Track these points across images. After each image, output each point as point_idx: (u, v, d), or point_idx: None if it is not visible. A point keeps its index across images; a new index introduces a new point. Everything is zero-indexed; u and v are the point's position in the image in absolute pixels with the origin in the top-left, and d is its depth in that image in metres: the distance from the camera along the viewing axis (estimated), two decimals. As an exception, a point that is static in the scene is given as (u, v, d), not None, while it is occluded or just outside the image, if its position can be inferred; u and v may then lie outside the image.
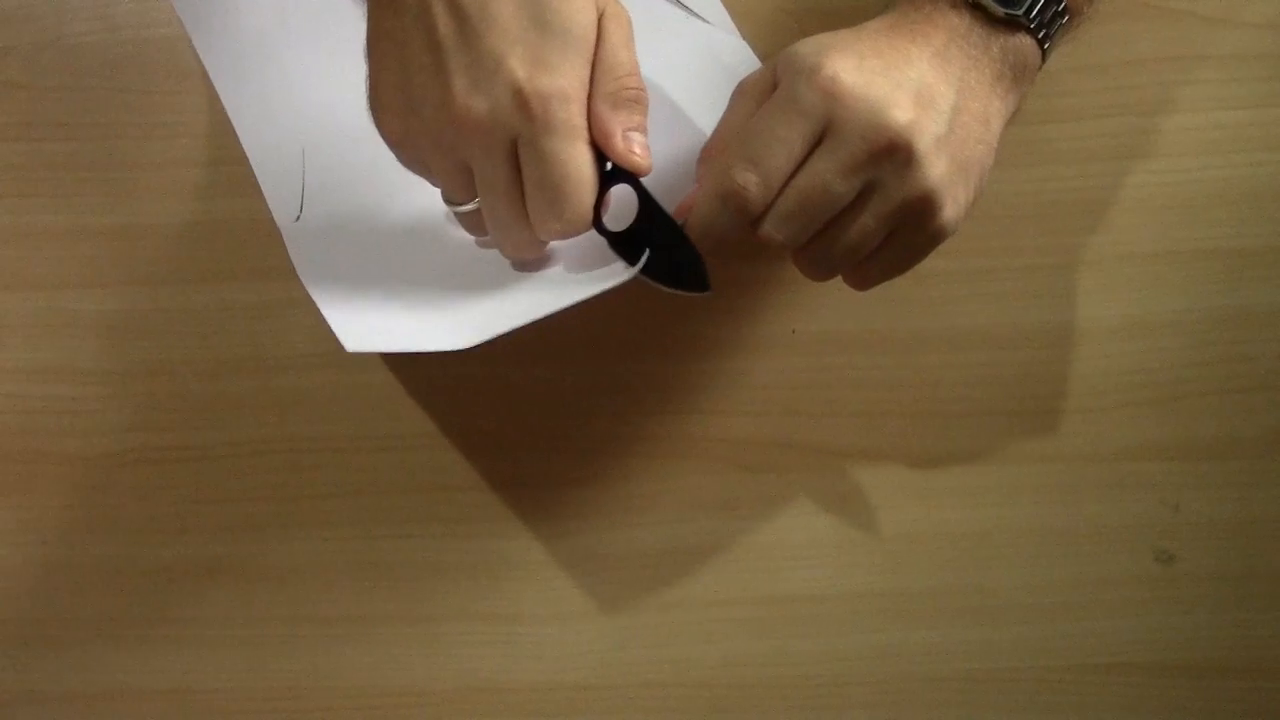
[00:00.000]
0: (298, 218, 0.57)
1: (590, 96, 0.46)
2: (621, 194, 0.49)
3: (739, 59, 0.59)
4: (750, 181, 0.46)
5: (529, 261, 0.52)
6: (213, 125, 0.60)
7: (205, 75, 0.60)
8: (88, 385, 0.60)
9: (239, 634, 0.59)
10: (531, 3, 0.46)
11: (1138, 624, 0.59)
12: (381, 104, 0.48)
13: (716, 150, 0.49)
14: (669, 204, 0.50)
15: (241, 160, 0.60)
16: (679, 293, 0.49)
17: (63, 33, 0.60)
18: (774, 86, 0.48)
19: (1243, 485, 0.60)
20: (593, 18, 0.46)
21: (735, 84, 0.52)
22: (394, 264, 0.56)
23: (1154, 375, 0.60)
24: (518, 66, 0.45)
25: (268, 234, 0.60)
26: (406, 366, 0.60)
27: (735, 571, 0.59)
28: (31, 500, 0.59)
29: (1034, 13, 0.48)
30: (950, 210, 0.48)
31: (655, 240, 0.49)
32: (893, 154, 0.46)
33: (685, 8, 0.60)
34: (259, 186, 0.59)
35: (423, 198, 0.54)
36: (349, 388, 0.59)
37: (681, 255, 0.49)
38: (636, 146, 0.47)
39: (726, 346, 0.60)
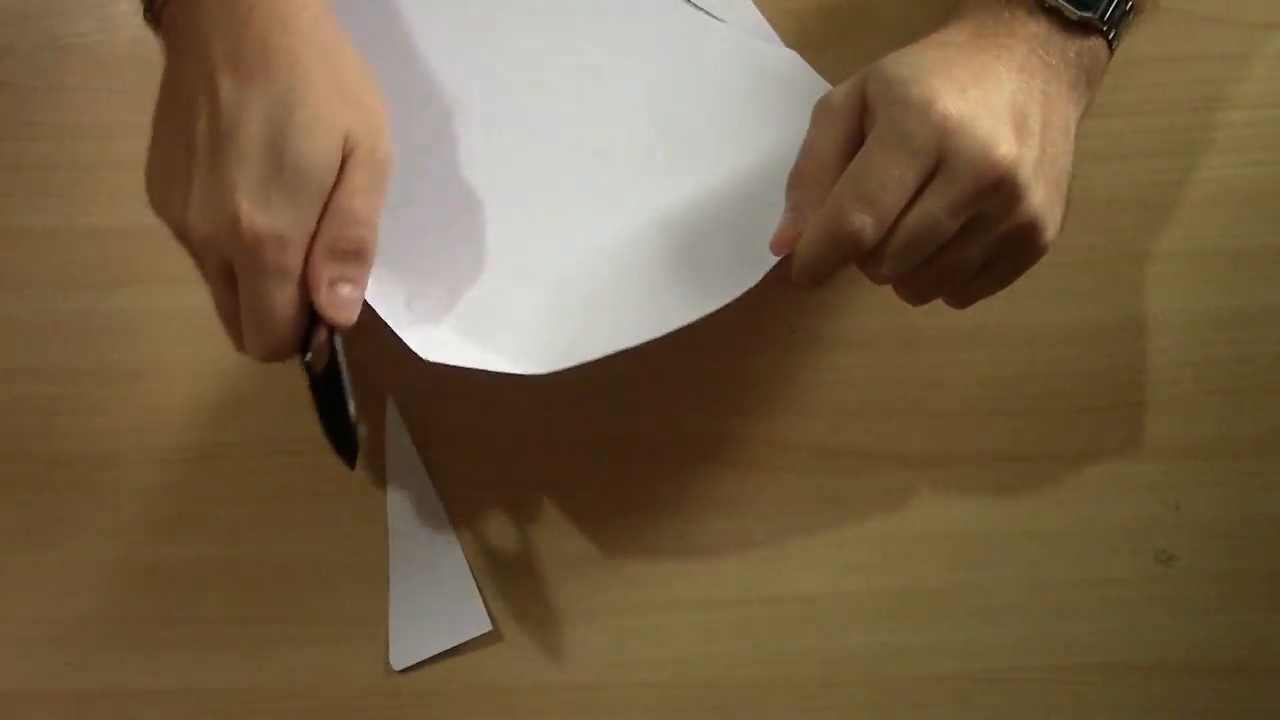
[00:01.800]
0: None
1: (312, 240, 0.46)
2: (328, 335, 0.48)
3: (790, 68, 0.59)
4: (866, 224, 0.46)
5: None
6: (212, 125, 0.60)
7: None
8: (88, 385, 0.60)
9: (239, 634, 0.59)
10: (276, 134, 0.45)
11: (1138, 624, 0.59)
12: (149, 179, 0.49)
13: (810, 178, 0.49)
14: (743, 228, 0.51)
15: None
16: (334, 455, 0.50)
17: (62, 33, 0.60)
18: (863, 106, 0.48)
19: (1243, 485, 0.60)
20: (332, 160, 0.46)
21: (789, 94, 0.52)
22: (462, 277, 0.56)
23: (1154, 375, 0.60)
24: (243, 198, 0.45)
25: (268, 234, 0.60)
26: (405, 367, 0.60)
27: (735, 571, 0.59)
28: (32, 500, 0.59)
29: (1107, 14, 0.48)
30: (1051, 230, 0.48)
31: (333, 394, 0.49)
32: (999, 188, 0.46)
33: (720, 19, 0.60)
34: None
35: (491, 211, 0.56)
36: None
37: (344, 423, 0.49)
38: (339, 301, 0.47)
39: (726, 346, 0.60)
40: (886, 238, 0.46)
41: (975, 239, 0.47)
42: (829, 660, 0.59)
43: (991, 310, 0.60)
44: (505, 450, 0.60)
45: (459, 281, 0.56)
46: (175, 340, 0.60)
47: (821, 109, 0.49)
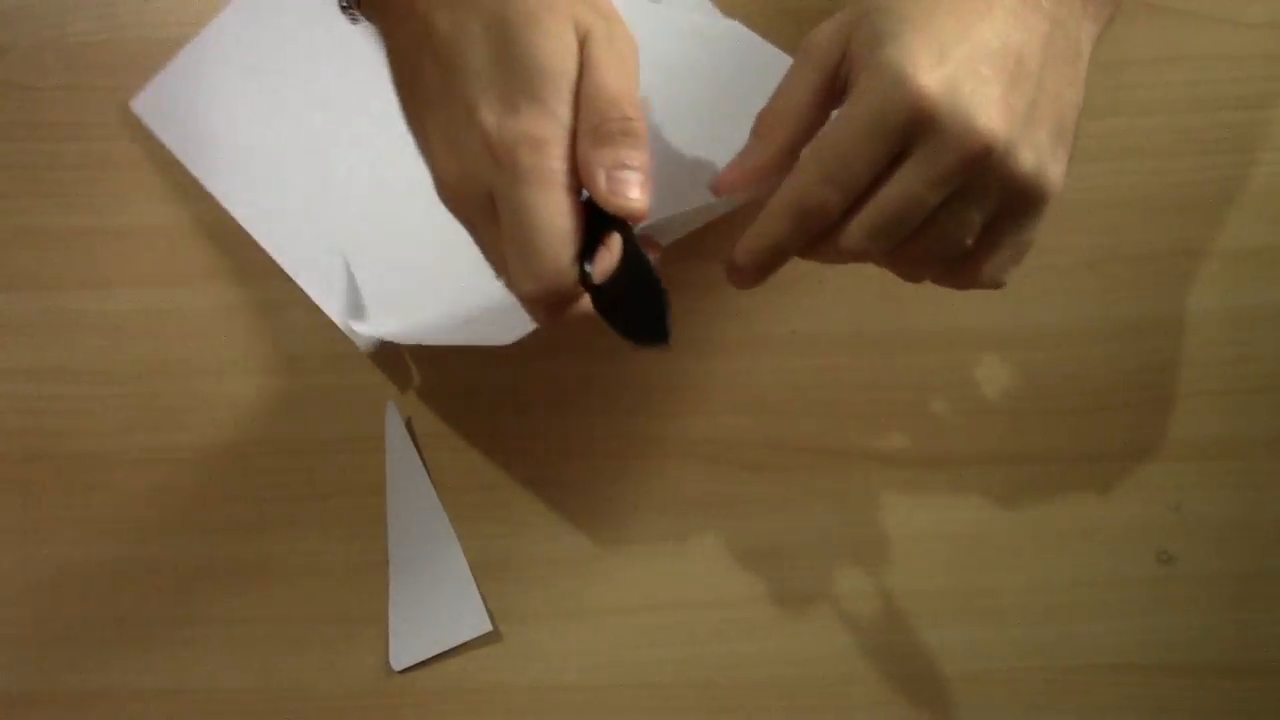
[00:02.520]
0: (362, 318, 0.59)
1: (577, 133, 0.42)
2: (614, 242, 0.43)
3: (733, 39, 0.59)
4: (832, 201, 0.43)
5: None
6: (213, 125, 0.60)
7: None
8: (88, 385, 0.60)
9: (239, 634, 0.59)
10: (501, 39, 0.42)
11: (1138, 624, 0.59)
12: (424, 151, 0.46)
13: (775, 119, 0.46)
14: (688, 195, 0.47)
15: (241, 160, 0.60)
16: (639, 347, 0.44)
17: (63, 33, 0.60)
18: (842, 56, 0.44)
19: (1243, 485, 0.60)
20: (568, 46, 0.42)
21: (736, 66, 0.50)
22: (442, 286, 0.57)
23: (1154, 375, 0.60)
24: (487, 114, 0.41)
25: (268, 234, 0.60)
26: (405, 367, 0.60)
27: (735, 571, 0.59)
28: (31, 500, 0.59)
29: None
30: (1051, 176, 0.44)
31: (632, 291, 0.44)
32: (987, 156, 0.42)
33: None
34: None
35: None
36: (349, 388, 0.59)
37: (658, 309, 0.43)
38: (626, 188, 0.42)
39: (726, 346, 0.60)
40: (865, 213, 0.44)
41: (963, 210, 0.44)
42: (829, 660, 0.59)
43: (992, 310, 0.60)
44: (505, 450, 0.60)
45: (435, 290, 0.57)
46: (175, 340, 0.60)
47: (801, 51, 0.46)
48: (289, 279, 0.60)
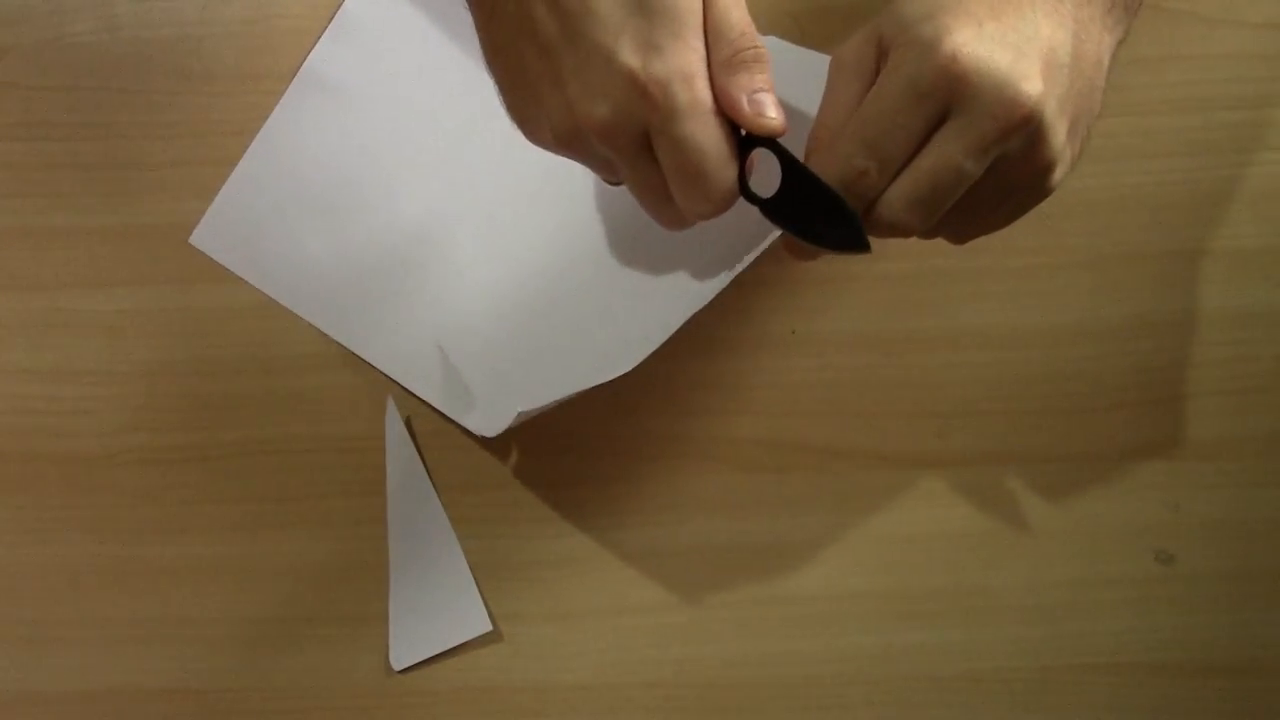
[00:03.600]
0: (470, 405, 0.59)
1: (712, 65, 0.44)
2: (763, 156, 0.46)
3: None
4: (870, 168, 0.44)
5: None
6: (212, 125, 0.60)
7: (205, 75, 0.60)
8: (88, 385, 0.60)
9: (239, 634, 0.59)
10: None
11: (1138, 624, 0.59)
12: (518, 119, 0.47)
13: (827, 133, 0.46)
14: (754, 233, 0.48)
15: (240, 160, 0.60)
16: (840, 253, 0.46)
17: (63, 33, 0.60)
18: (878, 54, 0.45)
19: (1243, 485, 0.60)
20: None
21: (780, 79, 0.51)
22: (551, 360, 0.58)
23: (1153, 375, 0.60)
24: (629, 56, 0.43)
25: (268, 234, 0.60)
26: (406, 366, 0.60)
27: (735, 571, 0.59)
28: (31, 500, 0.59)
29: None
30: (1061, 171, 0.45)
31: (806, 201, 0.46)
32: (1025, 127, 0.43)
33: None
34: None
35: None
36: (349, 388, 0.59)
37: (840, 214, 0.45)
38: (765, 109, 0.44)
39: (726, 346, 0.60)
40: (903, 183, 0.44)
41: (993, 179, 0.44)
42: (829, 660, 0.59)
43: (992, 310, 0.60)
44: (505, 450, 0.60)
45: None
46: (176, 340, 0.60)
47: (835, 64, 0.47)
48: (289, 279, 0.60)
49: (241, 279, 0.60)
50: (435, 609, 0.58)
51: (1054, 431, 0.60)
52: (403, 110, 0.60)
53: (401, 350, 0.59)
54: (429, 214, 0.60)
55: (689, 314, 0.53)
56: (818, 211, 0.46)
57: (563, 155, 0.47)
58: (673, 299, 0.54)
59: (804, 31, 0.60)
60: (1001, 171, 0.44)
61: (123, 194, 0.60)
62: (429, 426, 0.59)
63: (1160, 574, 0.59)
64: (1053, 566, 0.59)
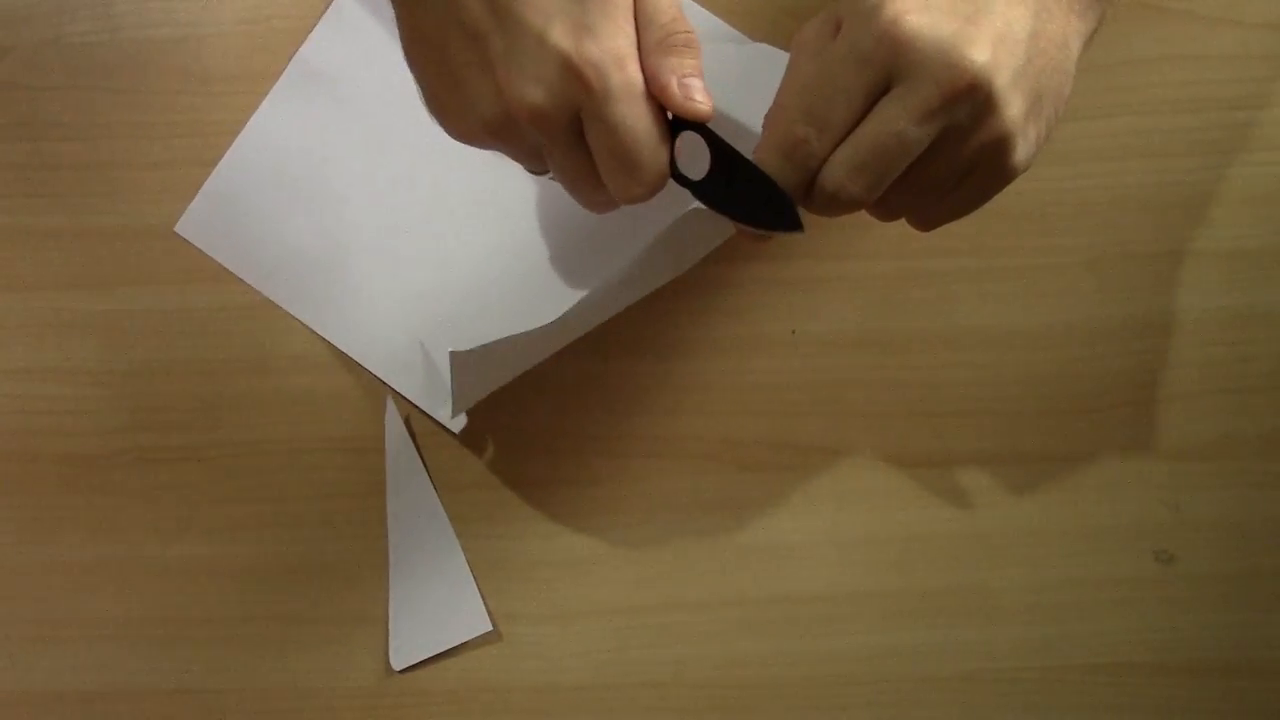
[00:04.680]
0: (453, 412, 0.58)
1: (641, 48, 0.44)
2: (690, 140, 0.46)
3: (766, 59, 0.59)
4: (809, 134, 0.43)
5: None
6: (213, 125, 0.60)
7: (204, 75, 0.60)
8: (88, 385, 0.60)
9: (239, 634, 0.59)
10: None
11: (1138, 624, 0.59)
12: (437, 108, 0.47)
13: (779, 114, 0.46)
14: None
15: (241, 160, 0.60)
16: (774, 233, 0.47)
17: (63, 33, 0.60)
18: (835, 33, 0.45)
19: (1243, 485, 0.60)
20: None
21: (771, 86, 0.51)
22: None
23: (1154, 375, 0.60)
24: (562, 38, 0.43)
25: (268, 234, 0.60)
26: (406, 366, 0.60)
27: (735, 571, 0.59)
28: (31, 500, 0.59)
29: None
30: (1023, 150, 0.44)
31: (737, 183, 0.46)
32: (971, 95, 0.42)
33: None
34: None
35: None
36: (348, 388, 0.59)
37: (769, 194, 0.45)
38: (694, 93, 0.44)
39: (726, 346, 0.60)
40: (845, 149, 0.43)
41: (944, 151, 0.44)
42: (829, 660, 0.59)
43: (991, 310, 0.60)
44: (505, 450, 0.60)
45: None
46: (176, 340, 0.60)
47: (795, 46, 0.46)
48: (289, 279, 0.60)
49: (241, 279, 0.60)
50: (435, 609, 0.58)
51: (1054, 431, 0.60)
52: (389, 104, 0.60)
53: (380, 343, 0.59)
54: (411, 207, 0.60)
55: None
56: (748, 193, 0.46)
57: (488, 147, 0.47)
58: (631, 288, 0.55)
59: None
60: (951, 144, 0.44)
61: (122, 194, 0.60)
62: (429, 426, 0.59)
63: (1160, 574, 0.59)
64: (1053, 566, 0.59)
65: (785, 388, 0.60)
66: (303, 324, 0.59)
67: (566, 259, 0.59)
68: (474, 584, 0.58)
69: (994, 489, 0.60)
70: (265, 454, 0.59)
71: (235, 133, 0.60)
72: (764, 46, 0.59)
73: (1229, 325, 0.60)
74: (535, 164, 0.48)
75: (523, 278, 0.59)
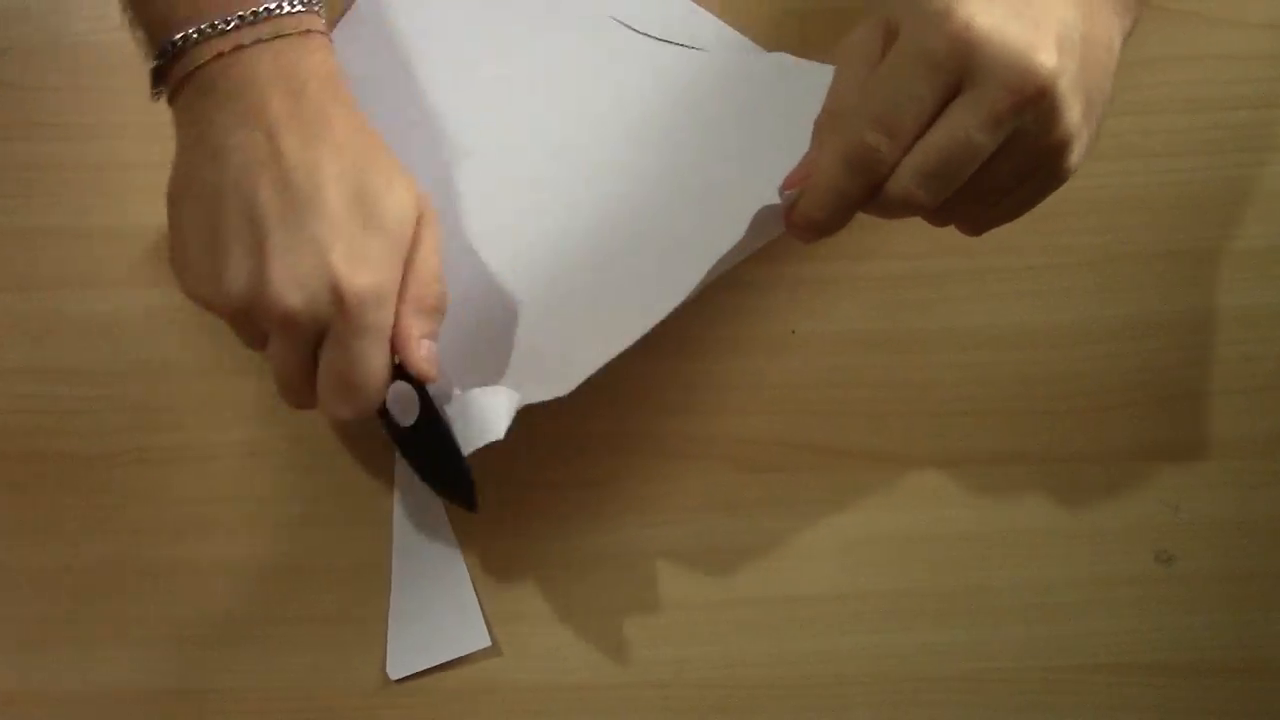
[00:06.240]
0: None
1: (399, 298, 0.47)
2: (402, 390, 0.50)
3: (772, 66, 0.59)
4: (881, 142, 0.42)
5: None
6: (213, 125, 0.60)
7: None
8: (88, 385, 0.60)
9: (239, 634, 0.59)
10: (361, 195, 0.45)
11: (1138, 624, 0.59)
12: (184, 262, 0.48)
13: (835, 112, 0.45)
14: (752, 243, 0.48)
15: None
16: (447, 500, 0.52)
17: (62, 33, 0.60)
18: (885, 38, 0.44)
19: (1243, 485, 0.60)
20: (412, 216, 0.47)
21: (789, 94, 0.51)
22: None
23: (1154, 375, 0.60)
24: (339, 262, 0.44)
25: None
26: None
27: (735, 571, 0.59)
28: (31, 500, 0.59)
29: None
30: (1078, 153, 0.44)
31: (434, 446, 0.51)
32: (1040, 101, 0.41)
33: (697, 47, 0.60)
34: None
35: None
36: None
37: (457, 468, 0.51)
38: (430, 355, 0.48)
39: (726, 346, 0.60)
40: (914, 157, 0.43)
41: (1008, 156, 0.43)
42: (830, 661, 0.59)
43: (992, 310, 0.60)
44: (505, 450, 0.60)
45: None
46: (175, 340, 0.60)
47: (843, 50, 0.46)
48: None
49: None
50: (435, 621, 0.58)
51: (1054, 431, 0.60)
52: (410, 100, 0.60)
53: None
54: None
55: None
56: (440, 459, 0.51)
57: (216, 315, 0.48)
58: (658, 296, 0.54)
59: (808, 33, 0.60)
60: (1016, 149, 0.43)
61: (122, 194, 0.60)
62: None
63: (1160, 574, 0.59)
64: (1053, 566, 0.59)
65: (785, 388, 0.60)
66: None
67: (591, 260, 0.59)
68: (475, 597, 0.58)
69: (994, 489, 0.60)
70: (265, 454, 0.59)
71: (235, 132, 0.60)
72: (783, 57, 0.59)
73: (1230, 325, 0.60)
74: (252, 345, 0.49)
75: (540, 280, 0.59)
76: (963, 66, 0.41)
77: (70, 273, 0.60)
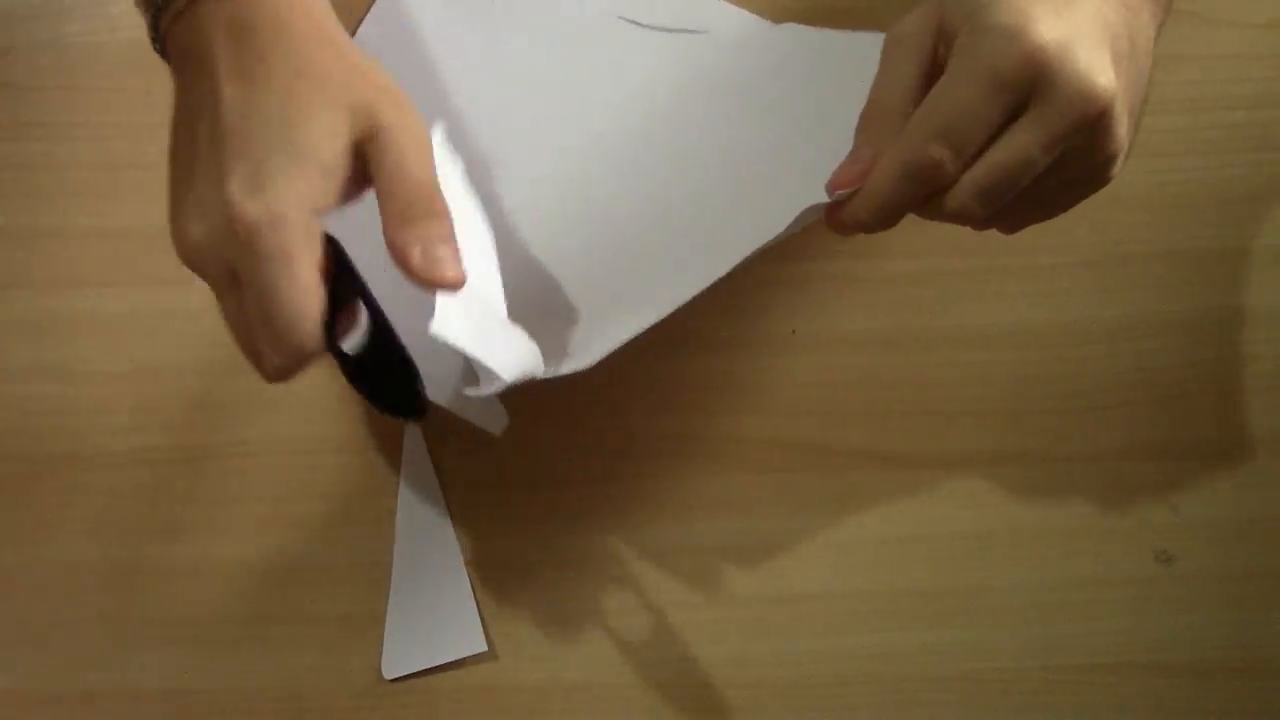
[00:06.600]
0: None
1: (383, 218, 0.44)
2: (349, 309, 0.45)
3: (794, 40, 0.59)
4: (946, 157, 0.43)
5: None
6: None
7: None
8: (87, 385, 0.60)
9: (239, 634, 0.59)
10: (280, 125, 0.43)
11: (1138, 624, 0.59)
12: (170, 205, 0.47)
13: (881, 116, 0.45)
14: (798, 198, 0.47)
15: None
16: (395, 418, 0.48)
17: (61, 33, 0.60)
18: (938, 33, 0.44)
19: (1243, 485, 0.60)
20: (333, 134, 0.44)
21: (807, 63, 0.50)
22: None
23: (1154, 375, 0.60)
24: (234, 188, 0.42)
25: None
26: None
27: (735, 571, 0.59)
28: (31, 500, 0.59)
29: None
30: (1120, 163, 0.45)
31: (383, 360, 0.46)
32: (1099, 120, 0.42)
33: (707, 31, 0.60)
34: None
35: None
36: (349, 388, 0.59)
37: (407, 380, 0.46)
38: (437, 260, 0.44)
39: (727, 346, 0.60)
40: (975, 173, 0.43)
41: (1064, 170, 0.44)
42: (830, 661, 0.59)
43: (992, 310, 0.60)
44: (505, 450, 0.60)
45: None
46: (175, 340, 0.60)
47: (893, 42, 0.46)
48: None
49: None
50: (432, 623, 0.58)
51: (1054, 431, 0.60)
52: (440, 84, 0.60)
53: (442, 362, 0.57)
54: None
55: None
56: (387, 373, 0.46)
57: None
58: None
59: (812, 11, 0.60)
60: (1069, 163, 0.44)
61: (122, 194, 0.60)
62: (436, 429, 0.59)
63: (1160, 574, 0.59)
64: (1053, 566, 0.59)
65: (785, 387, 0.60)
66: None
67: (626, 247, 0.58)
68: (474, 602, 0.58)
69: (994, 489, 0.60)
70: (265, 454, 0.59)
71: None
72: (793, 26, 0.59)
73: (1229, 325, 0.60)
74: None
75: (568, 261, 0.58)
76: (1031, 87, 0.42)
77: (70, 273, 0.60)
